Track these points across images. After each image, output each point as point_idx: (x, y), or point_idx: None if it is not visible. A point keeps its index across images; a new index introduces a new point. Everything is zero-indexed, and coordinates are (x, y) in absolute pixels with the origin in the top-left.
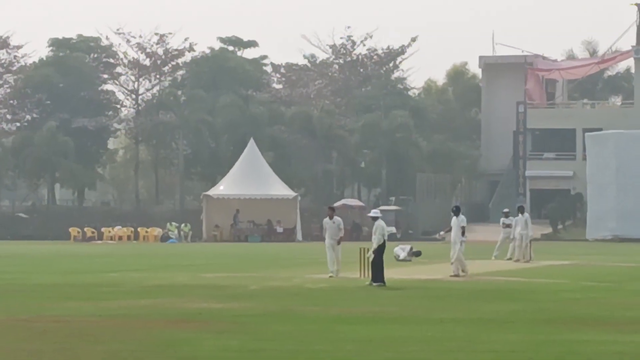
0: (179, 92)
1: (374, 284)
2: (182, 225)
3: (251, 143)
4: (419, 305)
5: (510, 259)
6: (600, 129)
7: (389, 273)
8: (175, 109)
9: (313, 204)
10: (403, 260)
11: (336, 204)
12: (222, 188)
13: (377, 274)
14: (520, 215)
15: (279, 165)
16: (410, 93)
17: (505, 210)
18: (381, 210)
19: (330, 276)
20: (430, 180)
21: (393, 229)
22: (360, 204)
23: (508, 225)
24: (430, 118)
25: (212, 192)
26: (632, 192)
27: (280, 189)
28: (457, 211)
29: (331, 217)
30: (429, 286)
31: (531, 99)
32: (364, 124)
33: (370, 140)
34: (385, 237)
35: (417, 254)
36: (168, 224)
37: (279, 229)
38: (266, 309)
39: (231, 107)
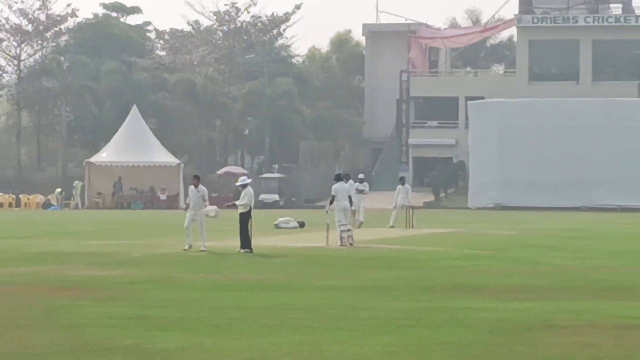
0: (62, 59)
1: (242, 250)
2: (57, 190)
3: (134, 110)
4: (301, 273)
5: (392, 226)
6: (483, 98)
7: (271, 241)
8: (58, 75)
9: (196, 171)
10: (286, 227)
11: (219, 172)
12: (105, 155)
13: (244, 240)
14: (400, 185)
15: (162, 133)
16: (294, 60)
17: (361, 176)
18: (264, 178)
19: (185, 249)
20: (313, 148)
21: (276, 197)
22: (244, 171)
23: (361, 191)
24: (314, 85)
25: (94, 159)
26: (514, 161)
27: (163, 156)
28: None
29: (196, 186)
30: (312, 254)
31: (414, 67)
32: (248, 91)
33: (254, 108)
34: (252, 205)
35: (301, 224)
36: (59, 189)
37: (162, 196)
38: (149, 276)
39: (114, 73)
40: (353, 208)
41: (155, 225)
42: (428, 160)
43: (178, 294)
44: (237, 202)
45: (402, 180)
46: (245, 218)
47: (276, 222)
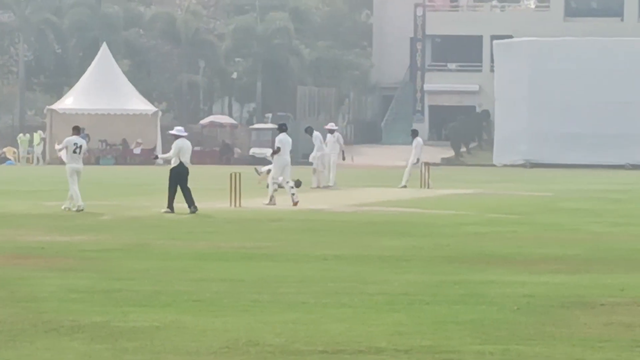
0: None
1: (163, 210)
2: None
3: (104, 49)
4: (297, 240)
5: (405, 187)
6: (511, 36)
7: (261, 203)
8: (15, 8)
9: (176, 121)
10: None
11: (203, 122)
12: (70, 101)
13: (171, 199)
14: (412, 138)
15: (137, 76)
16: None
17: (331, 125)
18: (255, 129)
19: (68, 208)
20: (313, 95)
21: (270, 151)
22: (232, 121)
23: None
24: (313, 22)
25: (57, 105)
26: (547, 111)
27: (138, 104)
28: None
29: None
30: (310, 218)
31: (432, 1)
32: (236, 27)
33: (244, 47)
34: (184, 160)
35: (297, 184)
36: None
37: (137, 150)
38: (120, 242)
39: (80, 5)
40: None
41: (128, 184)
42: (447, 110)
43: (154, 264)
44: (160, 155)
45: (414, 133)
46: (173, 175)
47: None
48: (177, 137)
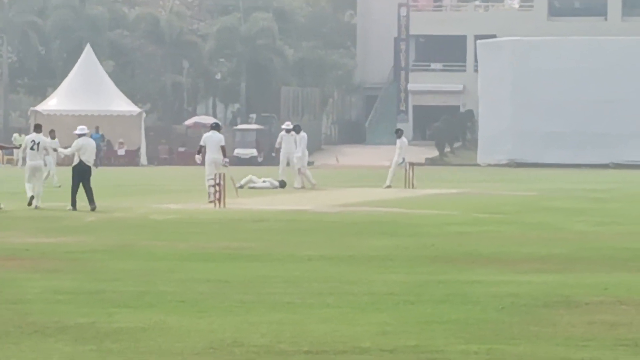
0: None
1: (69, 208)
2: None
3: (87, 50)
4: (282, 241)
5: (389, 187)
6: (495, 36)
7: (246, 204)
8: None
9: (160, 122)
10: (261, 187)
11: (188, 122)
12: (54, 103)
13: (72, 198)
14: (397, 138)
15: (121, 76)
16: None
17: (287, 125)
18: (240, 130)
19: (37, 206)
20: (297, 95)
21: (254, 152)
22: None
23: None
24: (297, 22)
25: (41, 107)
26: (531, 110)
27: (121, 104)
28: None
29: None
30: (295, 218)
31: (415, 1)
32: (220, 28)
33: (228, 48)
34: (84, 158)
35: (282, 184)
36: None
37: (120, 151)
38: (105, 244)
39: (64, 7)
40: (226, 160)
41: (112, 185)
42: (431, 110)
43: (138, 265)
44: (59, 150)
45: (398, 133)
46: (75, 173)
47: (240, 184)
48: (80, 135)
